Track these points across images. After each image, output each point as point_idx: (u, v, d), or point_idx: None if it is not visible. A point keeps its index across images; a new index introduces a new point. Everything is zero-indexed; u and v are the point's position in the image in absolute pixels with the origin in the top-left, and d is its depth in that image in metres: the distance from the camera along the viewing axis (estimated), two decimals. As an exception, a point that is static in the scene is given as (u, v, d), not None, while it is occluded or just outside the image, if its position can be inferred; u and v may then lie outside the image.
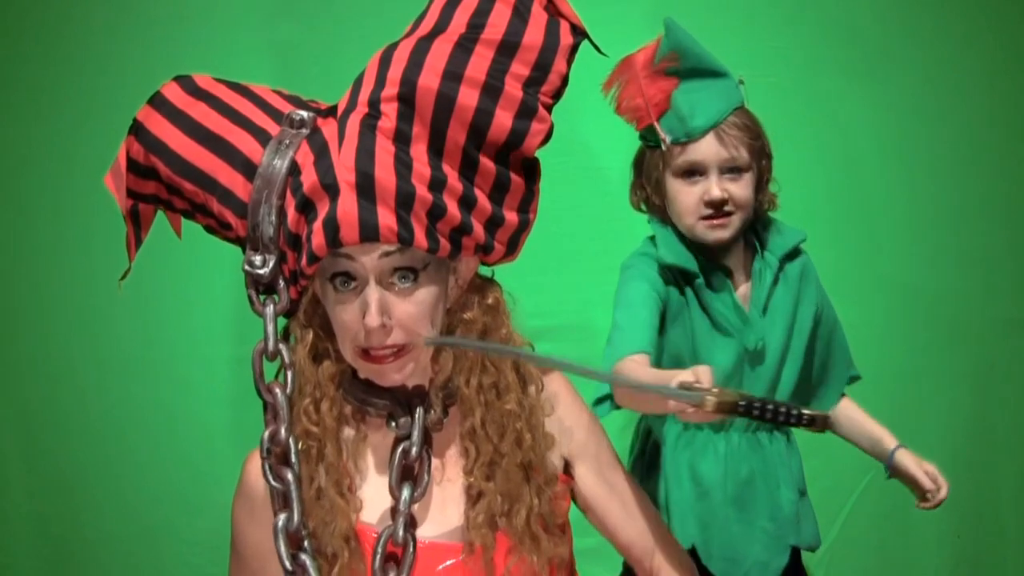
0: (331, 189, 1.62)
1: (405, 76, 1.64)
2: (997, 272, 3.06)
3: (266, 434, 1.71)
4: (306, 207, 1.65)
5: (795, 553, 2.28)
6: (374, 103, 1.65)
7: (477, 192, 1.68)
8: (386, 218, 1.61)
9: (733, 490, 2.21)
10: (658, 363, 2.10)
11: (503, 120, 1.66)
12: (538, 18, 1.71)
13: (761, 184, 2.20)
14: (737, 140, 2.13)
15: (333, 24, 2.93)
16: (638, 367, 1.95)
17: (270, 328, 1.72)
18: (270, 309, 1.72)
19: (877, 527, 3.04)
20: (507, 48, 1.68)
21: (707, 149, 2.13)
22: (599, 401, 2.12)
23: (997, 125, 3.05)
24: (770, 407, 1.57)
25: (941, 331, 3.05)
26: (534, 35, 1.70)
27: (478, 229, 1.69)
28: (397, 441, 1.73)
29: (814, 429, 1.59)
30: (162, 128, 1.73)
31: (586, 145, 2.89)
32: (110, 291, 2.87)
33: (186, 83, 1.76)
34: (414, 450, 1.72)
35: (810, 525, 2.30)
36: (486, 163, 1.68)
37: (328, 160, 1.64)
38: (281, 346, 1.73)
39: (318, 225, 1.63)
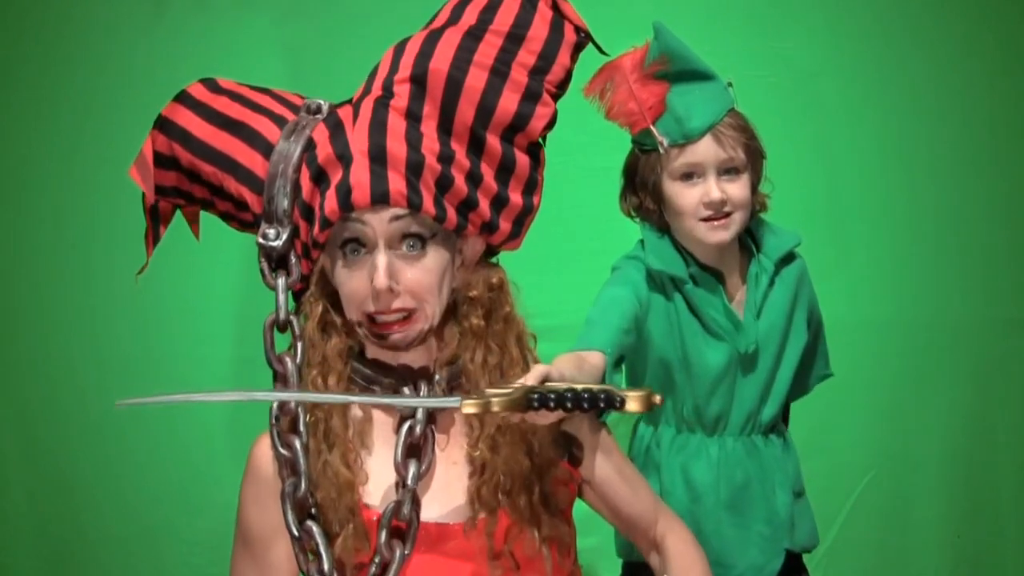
0: (344, 159, 1.70)
1: (417, 61, 1.73)
2: (997, 272, 3.06)
3: (275, 403, 1.75)
4: (320, 178, 1.72)
5: (794, 554, 2.28)
6: (387, 86, 1.74)
7: (484, 170, 1.75)
8: (396, 183, 1.68)
9: (727, 494, 2.21)
10: (618, 364, 2.14)
11: (509, 101, 1.74)
12: (544, 14, 1.80)
13: (756, 185, 2.20)
14: (734, 141, 2.13)
15: (337, 26, 2.93)
16: (590, 357, 1.99)
17: (281, 299, 1.78)
18: (282, 281, 1.78)
19: (877, 527, 3.03)
20: (514, 38, 1.76)
21: (705, 150, 2.13)
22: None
23: (997, 125, 3.05)
24: (569, 395, 1.59)
25: (941, 331, 3.04)
26: (540, 28, 1.78)
27: (484, 205, 1.76)
28: (402, 420, 1.77)
29: (633, 410, 1.61)
30: (185, 118, 1.81)
31: (586, 145, 2.89)
32: (110, 291, 2.89)
33: (209, 83, 1.84)
34: (418, 428, 1.75)
35: (806, 526, 2.30)
36: (492, 143, 1.75)
37: (343, 135, 1.72)
38: (292, 318, 1.78)
39: (331, 192, 1.70)
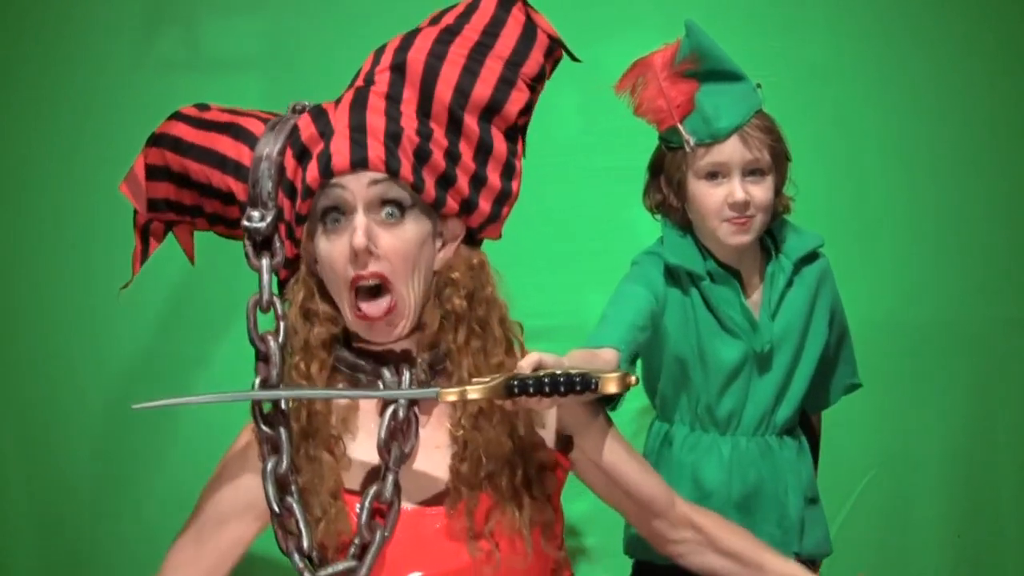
0: (325, 135, 1.76)
1: (396, 54, 1.81)
2: (997, 272, 3.06)
3: (257, 380, 1.79)
4: (303, 155, 1.78)
5: (803, 560, 2.27)
6: (369, 77, 1.81)
7: (462, 149, 1.80)
8: (375, 149, 1.74)
9: (738, 495, 2.21)
10: (633, 361, 2.16)
11: (485, 84, 1.81)
12: (517, 18, 1.87)
13: (779, 187, 2.21)
14: (760, 143, 2.14)
15: (336, 27, 2.92)
16: (604, 354, 2.01)
17: (265, 279, 1.81)
18: (265, 262, 1.81)
19: (877, 527, 3.03)
20: (489, 34, 1.84)
21: (731, 151, 2.14)
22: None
23: (998, 125, 3.05)
24: (546, 380, 1.64)
25: (941, 331, 3.04)
26: (513, 28, 1.86)
27: (462, 182, 1.80)
28: (386, 404, 1.80)
29: (609, 392, 1.64)
30: (177, 129, 1.87)
31: (587, 145, 2.89)
32: (110, 291, 2.88)
33: (200, 104, 1.91)
34: (401, 412, 1.78)
35: (818, 533, 2.29)
36: (470, 124, 1.80)
37: (325, 117, 1.79)
38: (275, 299, 1.81)
39: (312, 163, 1.76)
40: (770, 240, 2.25)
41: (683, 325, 2.20)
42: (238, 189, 1.82)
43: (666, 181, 2.22)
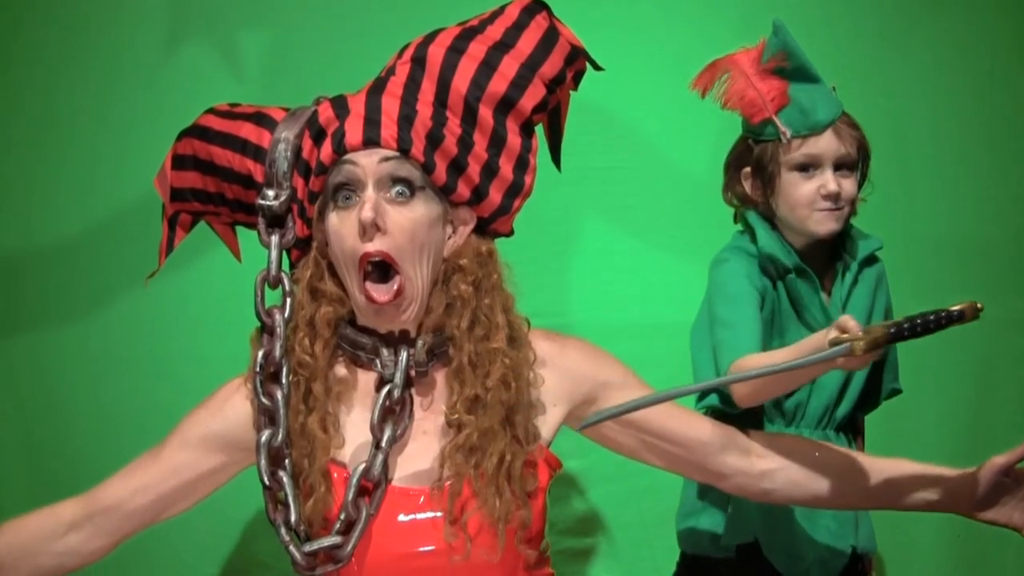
0: (341, 116, 1.81)
1: (418, 47, 1.87)
2: (997, 272, 3.06)
3: (260, 353, 1.83)
4: (320, 136, 1.83)
5: (857, 557, 2.29)
6: (391, 69, 1.87)
7: (476, 138, 1.84)
8: (388, 128, 1.79)
9: None
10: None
11: (502, 79, 1.85)
12: (540, 24, 1.91)
13: (861, 184, 2.26)
14: (852, 138, 2.23)
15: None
16: (759, 359, 2.04)
17: (274, 254, 1.86)
18: (275, 238, 1.86)
19: (877, 527, 3.02)
20: (509, 36, 1.88)
21: (826, 144, 2.20)
22: (700, 398, 2.20)
23: (995, 123, 3.05)
24: (919, 321, 1.79)
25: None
26: (535, 32, 1.90)
27: (473, 169, 1.83)
28: (382, 383, 1.83)
29: (966, 320, 1.80)
30: (205, 120, 1.95)
31: (586, 145, 2.88)
32: (110, 290, 2.89)
33: (233, 103, 1.98)
34: (397, 392, 1.80)
35: (867, 529, 2.32)
36: (485, 115, 1.84)
37: (344, 100, 1.85)
38: (283, 275, 1.86)
39: (327, 141, 1.81)
40: (837, 240, 2.28)
41: (768, 318, 2.24)
42: (257, 171, 1.87)
43: (754, 173, 2.27)
